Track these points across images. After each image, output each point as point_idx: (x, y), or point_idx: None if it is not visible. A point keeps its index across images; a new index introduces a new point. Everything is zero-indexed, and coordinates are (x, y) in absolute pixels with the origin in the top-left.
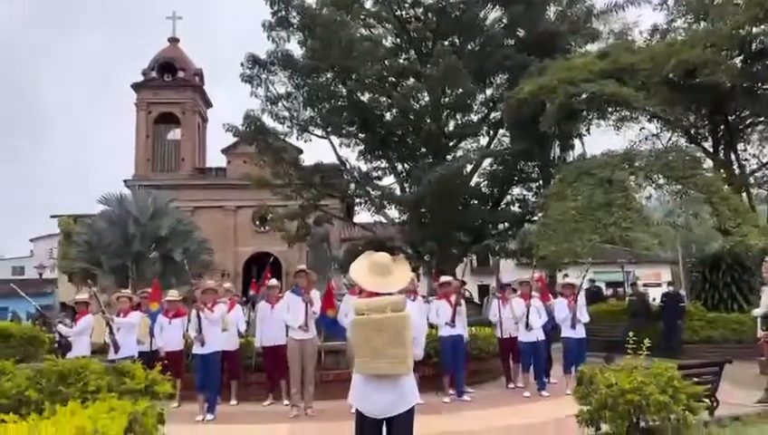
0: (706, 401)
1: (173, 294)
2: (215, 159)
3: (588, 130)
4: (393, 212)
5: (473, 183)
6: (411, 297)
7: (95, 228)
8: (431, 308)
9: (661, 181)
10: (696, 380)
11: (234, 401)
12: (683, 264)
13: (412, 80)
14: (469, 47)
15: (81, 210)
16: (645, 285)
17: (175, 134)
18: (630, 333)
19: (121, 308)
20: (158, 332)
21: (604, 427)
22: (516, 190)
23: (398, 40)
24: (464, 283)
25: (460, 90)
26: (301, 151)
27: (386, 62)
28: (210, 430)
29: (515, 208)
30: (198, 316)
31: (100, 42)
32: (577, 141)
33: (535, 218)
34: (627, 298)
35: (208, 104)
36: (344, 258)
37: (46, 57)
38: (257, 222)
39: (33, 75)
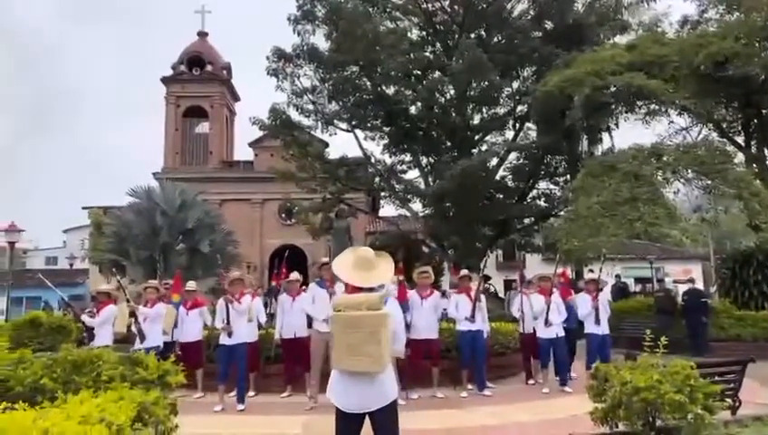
0: (728, 400)
1: (191, 285)
2: (242, 152)
3: (616, 123)
4: (417, 206)
5: (498, 177)
6: (428, 291)
7: (124, 220)
8: (450, 302)
9: (690, 176)
10: (717, 378)
11: (252, 393)
12: (713, 260)
13: (438, 73)
14: (495, 40)
15: (112, 202)
16: (675, 282)
17: (203, 127)
18: (647, 331)
19: (148, 299)
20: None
21: (619, 425)
22: (542, 185)
23: (424, 33)
24: (488, 277)
25: (486, 83)
26: (327, 145)
27: (411, 55)
28: (226, 421)
29: (541, 203)
30: (227, 307)
31: (137, 35)
32: (605, 135)
33: (561, 213)
34: (654, 294)
35: (236, 98)
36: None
37: (82, 52)
38: (283, 215)
39: (68, 69)
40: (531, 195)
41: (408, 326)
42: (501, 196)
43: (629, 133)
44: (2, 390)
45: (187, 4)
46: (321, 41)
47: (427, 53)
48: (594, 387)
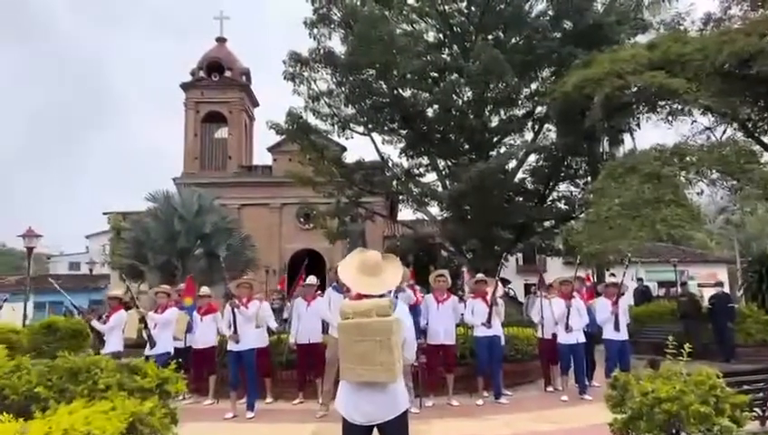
0: (757, 410)
1: (204, 290)
2: (261, 156)
3: (638, 124)
4: (435, 210)
5: (517, 179)
6: (444, 296)
7: (142, 225)
8: (467, 307)
9: (714, 176)
10: (746, 387)
11: (269, 399)
12: (739, 263)
13: (455, 75)
14: (513, 41)
15: (136, 208)
16: (700, 286)
17: (222, 133)
18: (670, 337)
19: (159, 304)
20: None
21: None
22: (563, 187)
23: (441, 35)
24: (507, 281)
25: (502, 84)
26: (344, 149)
27: (427, 57)
28: (235, 429)
29: (561, 205)
30: (233, 312)
31: (158, 43)
32: (627, 136)
33: (583, 215)
34: (677, 299)
35: (255, 103)
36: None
37: (109, 59)
38: (302, 219)
39: (94, 76)
40: (551, 197)
41: (423, 331)
42: (520, 199)
43: (652, 134)
44: None
45: (206, 11)
46: (337, 44)
47: (444, 56)
48: (613, 397)
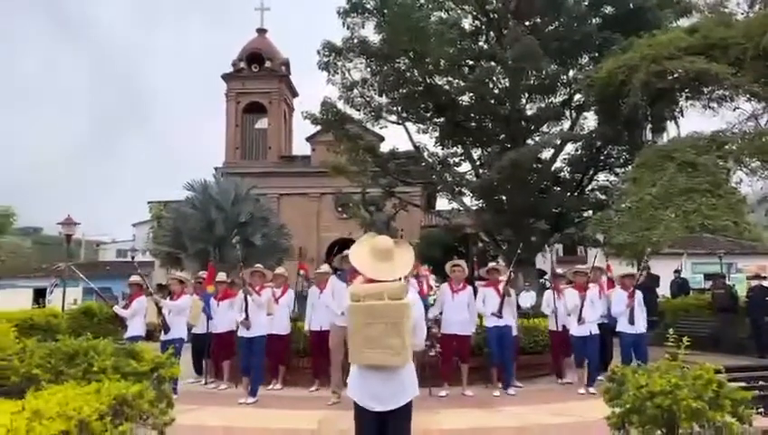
0: None
1: (221, 277)
2: (300, 146)
3: (680, 111)
4: (471, 200)
5: (554, 169)
6: (460, 286)
7: (180, 214)
8: (478, 297)
9: (754, 165)
10: (762, 383)
11: (278, 386)
12: None
13: (492, 63)
14: (551, 27)
15: (175, 197)
16: (749, 278)
17: (262, 123)
18: (671, 330)
19: (173, 291)
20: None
21: (633, 432)
22: (602, 177)
23: (477, 22)
24: (544, 272)
25: (541, 71)
26: (382, 139)
27: (461, 44)
28: (246, 413)
29: (600, 196)
30: (246, 299)
31: (203, 35)
32: (672, 125)
33: (624, 205)
34: (714, 291)
35: (294, 93)
36: (421, 245)
37: (151, 53)
38: (340, 209)
39: (140, 71)
40: (589, 187)
41: (436, 321)
42: (557, 188)
43: (698, 121)
44: (1, 379)
45: (248, 2)
46: (371, 33)
47: (481, 43)
48: (610, 390)
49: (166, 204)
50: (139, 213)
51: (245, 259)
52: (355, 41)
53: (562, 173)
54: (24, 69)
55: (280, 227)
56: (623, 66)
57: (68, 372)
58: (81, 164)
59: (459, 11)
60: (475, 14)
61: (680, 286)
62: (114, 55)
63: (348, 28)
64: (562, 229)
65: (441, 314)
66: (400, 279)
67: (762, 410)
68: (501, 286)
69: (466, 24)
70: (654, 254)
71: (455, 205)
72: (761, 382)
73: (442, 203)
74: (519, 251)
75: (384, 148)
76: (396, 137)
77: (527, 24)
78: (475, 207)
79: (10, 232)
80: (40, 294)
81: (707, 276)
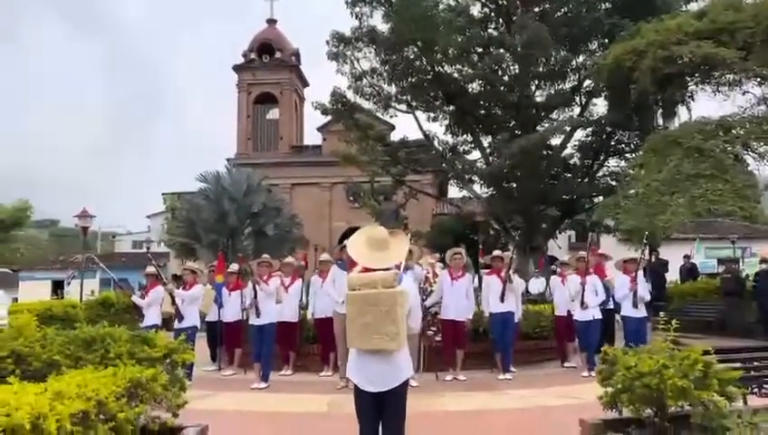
0: None
1: (233, 267)
2: (312, 136)
3: (691, 96)
4: (481, 187)
5: (565, 155)
6: (459, 273)
7: (193, 205)
8: (482, 284)
9: (762, 149)
10: (757, 364)
11: (289, 371)
12: None
13: (501, 50)
14: (559, 13)
15: (189, 189)
16: (762, 262)
17: (274, 114)
18: (661, 313)
19: (186, 281)
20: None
21: (625, 410)
22: (612, 162)
23: (486, 9)
24: (554, 259)
25: (549, 58)
26: (393, 128)
27: (469, 31)
28: (257, 398)
29: (611, 181)
30: (254, 289)
31: (223, 27)
32: (684, 110)
33: (632, 191)
34: (721, 275)
35: (305, 83)
36: (432, 233)
37: (170, 46)
38: (351, 198)
39: (158, 63)
40: (600, 173)
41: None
42: (568, 175)
43: (711, 106)
44: (24, 365)
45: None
46: (379, 22)
47: (491, 30)
48: (603, 371)
49: (179, 195)
50: (153, 205)
51: (258, 249)
52: (363, 30)
53: (573, 159)
54: (44, 66)
55: (291, 217)
56: (630, 52)
57: (86, 358)
58: (97, 157)
59: None
60: (483, 1)
61: (689, 271)
62: (135, 49)
63: (356, 17)
64: (573, 216)
65: (441, 300)
66: (405, 270)
67: (756, 389)
68: (503, 273)
69: (475, 11)
70: (664, 239)
71: (465, 193)
72: (755, 363)
73: (454, 191)
74: (516, 238)
75: (395, 137)
76: (407, 126)
77: (536, 9)
78: (485, 195)
79: (27, 225)
80: (58, 286)
81: (720, 261)
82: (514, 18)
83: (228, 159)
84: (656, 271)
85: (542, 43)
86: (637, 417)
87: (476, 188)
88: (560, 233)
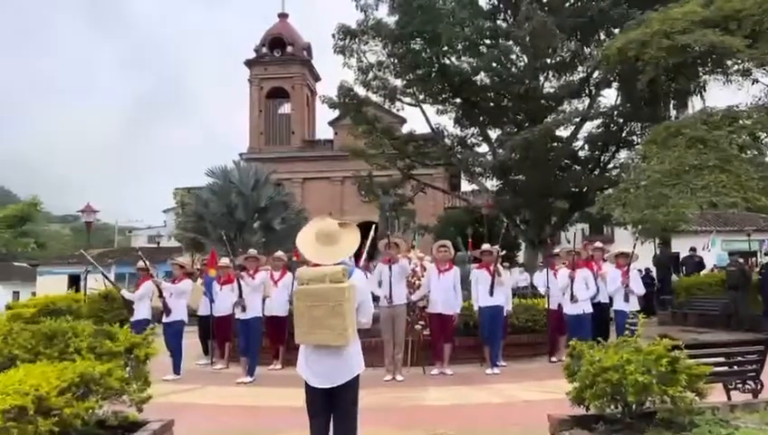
0: (750, 383)
1: (224, 261)
2: (324, 130)
3: (703, 86)
4: (491, 181)
5: (575, 147)
6: (446, 266)
7: (202, 200)
8: (472, 278)
9: None
10: (740, 359)
11: (278, 366)
12: None
13: (510, 42)
14: (568, 4)
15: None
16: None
17: (285, 108)
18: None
19: (175, 275)
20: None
21: (592, 406)
22: (624, 154)
23: (495, 1)
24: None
25: (555, 49)
26: (404, 121)
27: (473, 23)
28: (239, 392)
29: (623, 173)
30: (239, 283)
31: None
32: (698, 100)
33: (632, 183)
34: (726, 269)
35: (316, 77)
36: (438, 226)
37: (191, 40)
38: (363, 192)
39: (179, 59)
40: (611, 165)
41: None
42: (577, 167)
43: (727, 96)
44: None
45: None
46: (385, 15)
47: (500, 21)
48: (569, 366)
49: (189, 190)
50: (170, 199)
51: (266, 244)
52: (369, 23)
53: (582, 151)
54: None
55: (299, 212)
56: (633, 42)
57: (45, 353)
58: (118, 152)
59: None
60: None
61: (697, 264)
62: (151, 45)
63: (361, 10)
64: (582, 208)
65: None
66: (392, 263)
67: (740, 385)
68: (492, 267)
69: (483, 2)
70: (681, 232)
71: (475, 186)
72: (738, 358)
73: (466, 184)
74: (525, 231)
75: (407, 130)
76: (418, 118)
77: (545, 0)
78: (495, 188)
79: (37, 221)
80: (76, 280)
81: (730, 254)
82: (524, 9)
83: (241, 154)
84: (662, 264)
85: (547, 33)
86: (607, 414)
87: (485, 181)
88: (570, 226)
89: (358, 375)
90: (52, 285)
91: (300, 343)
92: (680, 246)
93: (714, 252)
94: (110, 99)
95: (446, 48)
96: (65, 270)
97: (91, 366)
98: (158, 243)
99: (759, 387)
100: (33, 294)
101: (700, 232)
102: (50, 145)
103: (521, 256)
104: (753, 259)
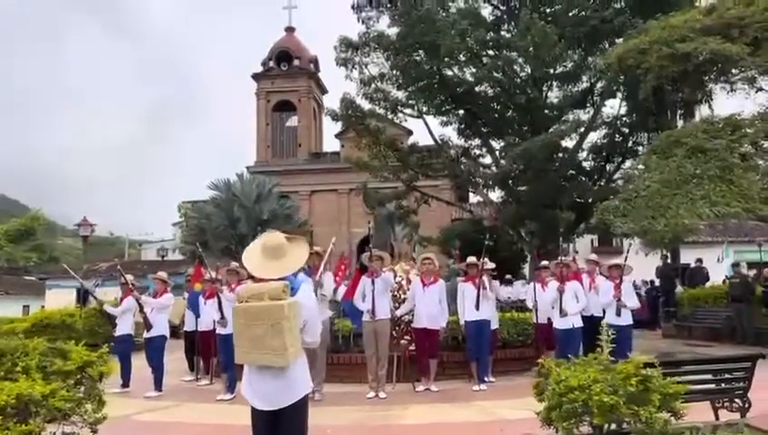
0: (738, 401)
1: (208, 276)
2: (331, 143)
3: (709, 95)
4: (495, 191)
5: (581, 158)
6: (432, 279)
7: (205, 213)
8: (458, 291)
9: None
10: (727, 376)
11: None
12: None
13: (513, 53)
14: (570, 14)
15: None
16: None
17: (293, 121)
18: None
19: (157, 289)
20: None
21: (560, 428)
22: (629, 164)
23: (498, 12)
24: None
25: (557, 59)
26: (410, 133)
27: (473, 34)
28: (217, 409)
29: (627, 183)
30: (218, 297)
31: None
32: (705, 108)
33: (632, 194)
34: (730, 280)
35: (323, 90)
36: (440, 238)
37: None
38: (366, 203)
39: (191, 72)
40: (616, 175)
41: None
42: (582, 178)
43: (731, 106)
44: None
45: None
46: (386, 27)
47: (503, 32)
48: (539, 384)
49: (193, 203)
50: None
51: None
52: (371, 35)
53: (587, 162)
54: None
55: (301, 225)
56: (632, 50)
57: None
58: (130, 165)
59: (480, 2)
60: (495, 4)
61: (703, 276)
62: (169, 57)
63: (362, 23)
64: (588, 219)
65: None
66: (375, 277)
67: (727, 403)
68: (477, 281)
69: (486, 13)
70: (682, 243)
71: (478, 198)
72: (726, 376)
73: (473, 196)
74: (531, 243)
75: (412, 141)
76: (424, 130)
77: (548, 11)
78: (499, 199)
79: (43, 233)
80: (85, 294)
81: (751, 265)
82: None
83: (248, 167)
84: (666, 275)
85: (548, 43)
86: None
87: (489, 192)
88: (577, 237)
89: (305, 397)
90: (60, 298)
91: (240, 363)
92: (690, 258)
93: (725, 263)
94: (128, 105)
95: (447, 59)
96: (74, 284)
97: (31, 386)
98: (163, 256)
99: (747, 405)
100: (43, 307)
101: (712, 243)
102: (69, 156)
103: (526, 269)
104: (767, 270)
